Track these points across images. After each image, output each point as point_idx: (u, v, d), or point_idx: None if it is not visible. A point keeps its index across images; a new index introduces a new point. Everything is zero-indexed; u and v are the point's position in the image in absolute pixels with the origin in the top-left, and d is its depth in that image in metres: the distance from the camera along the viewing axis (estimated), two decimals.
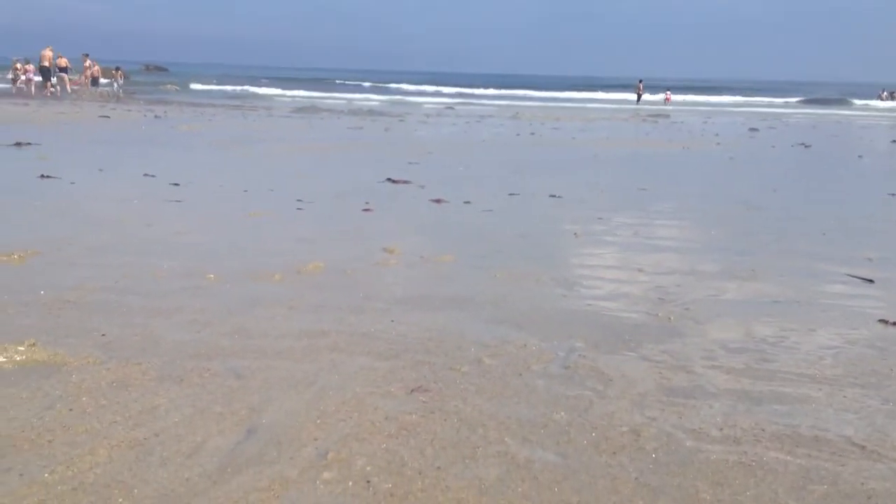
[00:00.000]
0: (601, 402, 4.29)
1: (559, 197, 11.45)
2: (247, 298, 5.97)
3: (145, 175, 12.37)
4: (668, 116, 42.44)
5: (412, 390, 4.43)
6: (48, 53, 43.50)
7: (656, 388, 4.50)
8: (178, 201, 10.19)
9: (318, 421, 3.94)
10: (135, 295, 5.94)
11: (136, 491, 3.20)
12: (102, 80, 49.57)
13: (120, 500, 3.14)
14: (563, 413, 4.12)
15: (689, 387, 4.50)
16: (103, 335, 5.05)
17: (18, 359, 4.54)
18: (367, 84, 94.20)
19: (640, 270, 7.33)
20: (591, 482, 3.38)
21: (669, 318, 5.87)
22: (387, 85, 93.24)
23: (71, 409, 3.96)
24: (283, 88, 68.67)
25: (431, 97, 65.84)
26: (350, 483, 3.32)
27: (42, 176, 11.68)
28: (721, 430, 3.96)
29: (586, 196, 11.88)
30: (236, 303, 5.83)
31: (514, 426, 3.94)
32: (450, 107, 48.44)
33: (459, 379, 4.60)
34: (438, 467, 3.48)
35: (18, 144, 16.29)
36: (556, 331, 5.52)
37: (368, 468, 3.45)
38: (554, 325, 5.63)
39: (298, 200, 10.38)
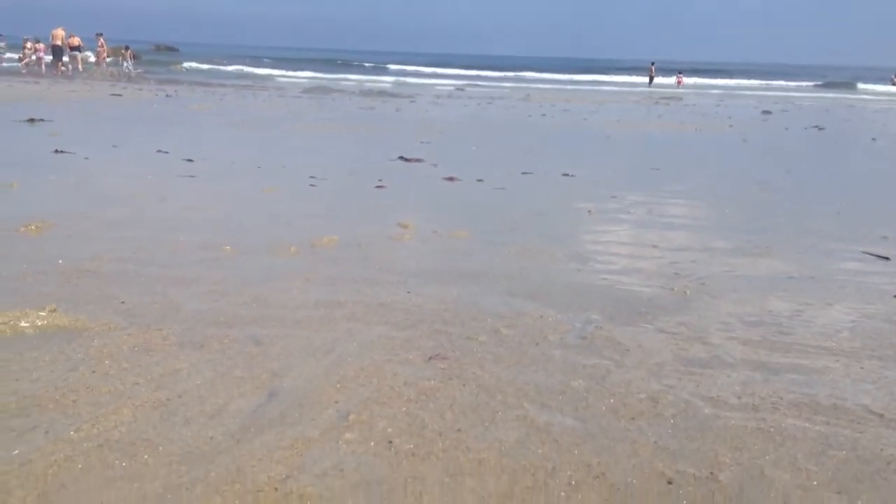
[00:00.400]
0: (618, 371, 4.30)
1: (572, 176, 11.44)
2: (263, 270, 6.00)
3: (158, 151, 12.40)
4: (680, 99, 42.22)
5: (430, 358, 4.45)
6: (60, 32, 43.46)
7: (673, 358, 4.51)
8: (192, 177, 10.22)
9: (338, 385, 3.96)
10: (152, 266, 5.98)
11: (161, 448, 3.24)
12: (108, 59, 49.48)
13: (146, 456, 3.17)
14: (580, 381, 4.14)
15: (706, 357, 4.51)
16: (123, 303, 5.08)
17: (40, 324, 4.57)
18: (379, 66, 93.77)
19: (654, 247, 7.33)
20: (610, 445, 3.41)
21: (685, 293, 5.87)
22: (398, 66, 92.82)
23: (94, 372, 4.00)
24: (294, 69, 68.48)
25: (441, 79, 65.59)
26: (372, 443, 3.35)
27: (56, 151, 11.72)
28: (739, 398, 3.98)
29: (599, 176, 11.86)
30: (253, 274, 5.87)
31: (533, 392, 3.96)
32: (460, 88, 48.31)
33: (477, 348, 4.62)
34: (458, 430, 3.51)
35: (31, 120, 16.34)
36: (571, 303, 5.54)
37: (390, 430, 3.48)
38: (569, 298, 5.64)
39: (311, 177, 10.40)
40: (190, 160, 11.57)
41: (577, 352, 4.61)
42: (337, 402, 3.76)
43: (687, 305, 5.56)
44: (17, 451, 3.15)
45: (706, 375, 4.26)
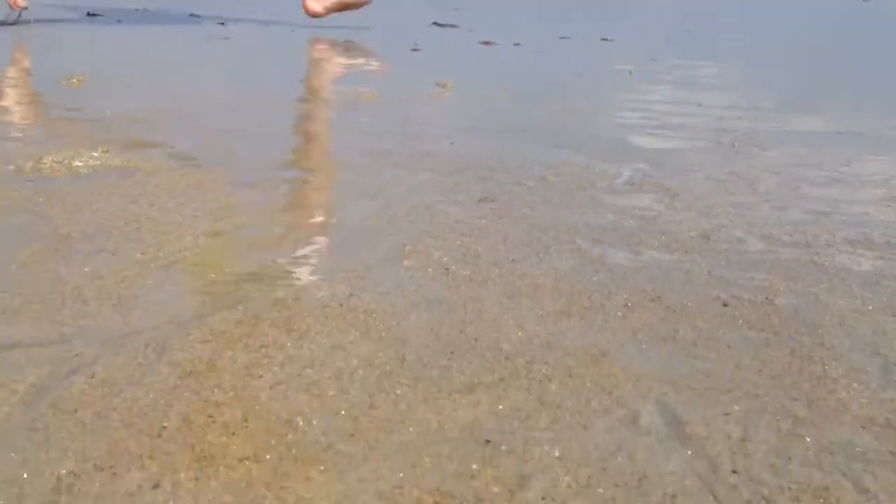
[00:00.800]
0: (669, 212, 4.32)
1: (610, 41, 11.17)
2: (305, 120, 5.99)
3: (191, 15, 12.20)
4: None
5: (479, 200, 4.47)
6: None
7: (724, 202, 4.52)
8: (226, 38, 10.08)
9: (390, 222, 4.02)
10: (198, 115, 5.99)
11: (226, 268, 3.32)
12: None
13: (212, 275, 3.26)
14: (631, 221, 4.16)
15: (756, 201, 4.52)
16: (172, 148, 5.12)
17: (93, 163, 4.64)
18: None
19: (698, 105, 7.22)
20: (664, 274, 3.45)
21: (733, 145, 5.83)
22: None
23: (152, 205, 4.07)
24: None
25: None
26: (429, 269, 3.41)
27: (88, 14, 11.57)
28: (791, 236, 3.99)
29: (638, 39, 11.56)
30: (297, 123, 5.87)
31: (584, 230, 3.99)
32: None
33: (525, 192, 4.64)
34: (513, 260, 3.56)
35: None
36: (617, 155, 5.53)
37: (445, 258, 3.54)
38: (615, 151, 5.63)
39: (346, 41, 10.22)
40: (222, 23, 11.40)
41: (626, 196, 4.62)
42: (391, 236, 3.81)
43: (735, 156, 5.52)
44: (87, 269, 3.24)
45: (757, 217, 4.27)
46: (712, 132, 6.16)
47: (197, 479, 1.94)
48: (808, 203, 4.54)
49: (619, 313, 3.04)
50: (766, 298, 3.25)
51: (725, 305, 3.16)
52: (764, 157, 5.48)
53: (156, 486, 1.91)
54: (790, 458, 2.13)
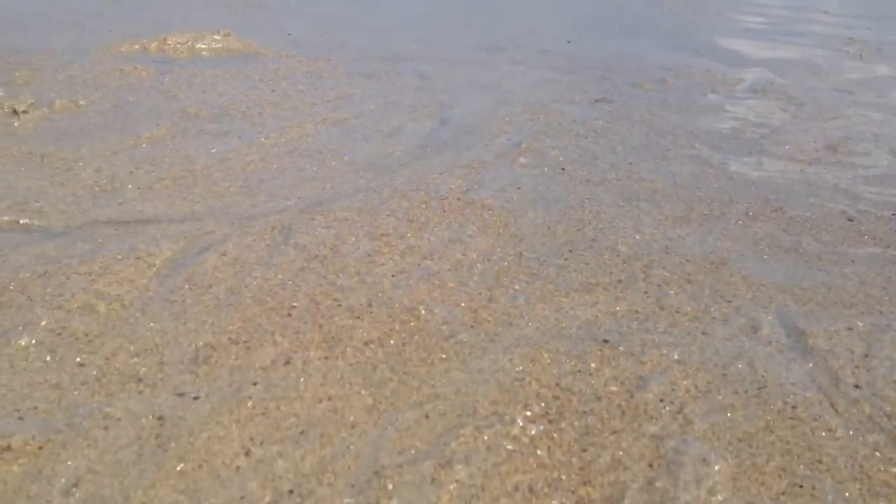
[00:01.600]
0: (793, 122, 4.14)
1: None
2: (421, 13, 5.91)
3: None
4: None
5: (596, 100, 4.38)
6: None
7: (851, 113, 4.32)
8: None
9: (507, 119, 3.97)
10: (316, 4, 5.97)
11: (346, 157, 3.37)
12: None
13: (333, 163, 3.31)
14: (753, 128, 4.01)
15: (885, 115, 4.31)
16: (289, 34, 5.14)
17: (216, 46, 4.70)
18: None
19: (825, 12, 6.80)
20: (787, 185, 3.34)
21: (861, 55, 5.49)
22: None
23: (273, 91, 4.12)
24: None
25: None
26: (545, 168, 3.38)
27: None
28: None
29: None
30: (410, 17, 5.79)
31: (704, 136, 3.87)
32: None
33: (643, 94, 4.51)
34: (630, 163, 3.49)
35: None
36: (739, 60, 5.29)
37: (561, 158, 3.50)
38: (737, 56, 5.39)
39: None
40: None
41: (748, 103, 4.45)
42: (507, 133, 3.78)
43: (863, 67, 5.21)
44: (214, 150, 3.33)
45: (886, 130, 4.08)
46: (839, 41, 5.83)
47: (326, 358, 2.03)
48: None
49: (740, 222, 2.98)
50: (894, 214, 3.12)
51: (851, 220, 3.06)
52: (894, 68, 5.16)
53: (287, 362, 2.01)
54: None
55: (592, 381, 1.99)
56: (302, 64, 4.57)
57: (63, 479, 1.57)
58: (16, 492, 1.54)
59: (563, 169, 3.40)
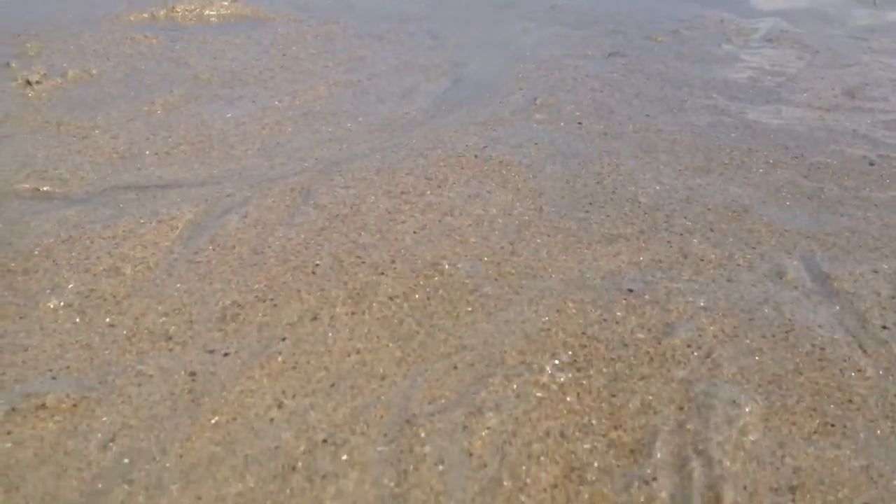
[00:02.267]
0: (810, 69, 4.10)
1: None
2: None
3: None
4: None
5: (609, 54, 4.34)
6: None
7: (868, 60, 4.28)
8: None
9: (520, 75, 3.94)
10: None
11: (360, 119, 3.35)
12: None
13: (348, 124, 3.30)
14: (770, 77, 3.97)
15: None
16: None
17: (224, 12, 4.68)
18: None
19: None
20: (807, 132, 3.31)
21: (874, 2, 5.42)
22: None
23: (284, 55, 4.10)
24: None
25: None
26: (562, 123, 3.36)
27: None
28: None
29: None
30: None
31: (721, 86, 3.84)
32: None
33: (657, 47, 4.46)
34: (647, 115, 3.46)
35: None
36: (752, 10, 5.25)
37: (578, 113, 3.47)
38: (749, 6, 5.36)
39: None
40: None
41: (763, 52, 4.40)
42: (521, 89, 3.76)
43: (876, 14, 5.15)
44: (229, 115, 3.32)
45: None
46: None
47: (352, 313, 2.04)
48: None
49: (761, 170, 2.96)
50: None
51: (872, 164, 3.03)
52: None
53: (314, 318, 2.02)
54: None
55: (619, 330, 2.00)
56: (311, 27, 4.54)
57: (99, 435, 1.59)
58: (53, 448, 1.56)
59: (579, 123, 3.38)
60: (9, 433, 1.59)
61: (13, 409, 1.64)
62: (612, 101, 3.63)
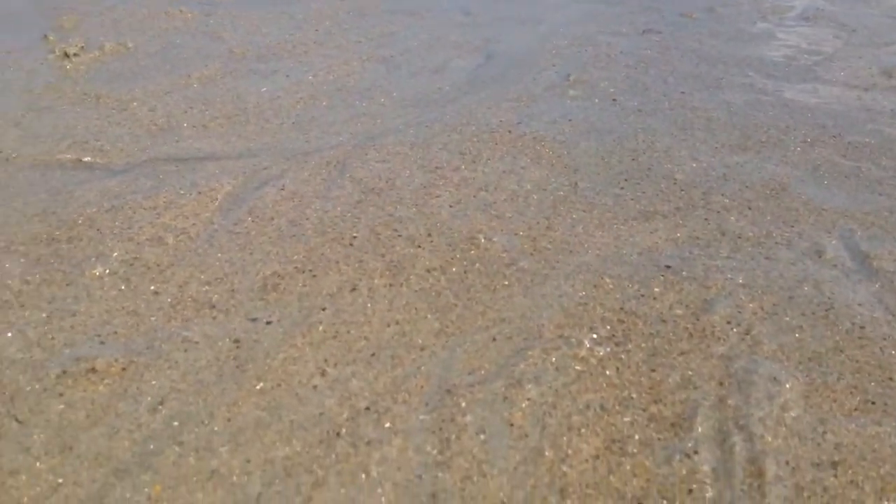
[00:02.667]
0: (847, 48, 4.05)
1: None
2: None
3: None
4: None
5: (643, 31, 4.31)
6: None
7: None
8: None
9: (553, 52, 3.93)
10: None
11: (394, 94, 3.36)
12: None
13: (382, 99, 3.31)
14: (806, 56, 3.93)
15: None
16: None
17: None
18: None
19: None
20: (844, 111, 3.29)
21: None
22: None
23: (317, 30, 4.11)
24: None
25: None
26: (596, 100, 3.35)
27: None
28: None
29: None
30: None
31: (757, 63, 3.80)
32: None
33: (691, 24, 4.42)
34: (682, 92, 3.45)
35: None
36: None
37: (612, 90, 3.46)
38: None
39: None
40: None
41: (799, 31, 4.35)
42: (554, 66, 3.74)
43: None
44: (264, 89, 3.34)
45: None
46: None
47: (390, 285, 2.06)
48: None
49: (798, 149, 2.94)
50: None
51: None
52: None
53: (353, 289, 2.04)
54: None
55: (657, 306, 2.00)
56: (343, 3, 4.55)
57: (149, 398, 1.62)
58: (104, 410, 1.59)
59: (614, 100, 3.36)
60: (61, 395, 1.62)
61: (64, 372, 1.67)
62: (647, 78, 3.61)
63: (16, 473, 1.44)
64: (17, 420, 1.55)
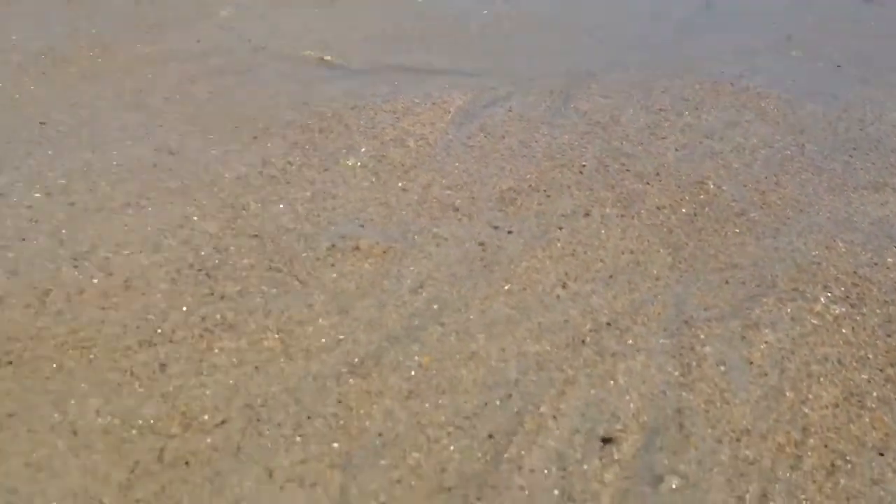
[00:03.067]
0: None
1: None
2: None
3: None
4: None
5: (866, 0, 4.12)
6: None
7: None
8: None
9: (773, 9, 3.89)
10: None
11: (615, 33, 3.38)
12: None
13: (601, 36, 3.32)
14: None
15: None
16: None
17: None
18: None
19: None
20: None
21: None
22: None
23: None
24: None
25: None
26: (819, 63, 3.33)
27: None
28: None
29: None
30: None
31: None
32: None
33: None
34: None
35: None
36: None
37: (835, 55, 3.45)
38: None
39: None
40: None
41: None
42: (774, 24, 3.73)
43: None
44: (485, 11, 3.40)
45: None
46: None
47: (622, 216, 2.11)
48: None
49: None
50: None
51: None
52: None
53: (587, 214, 2.10)
54: None
55: (891, 275, 1.99)
56: None
57: (409, 281, 1.75)
58: (371, 284, 1.73)
59: (838, 66, 3.27)
60: (332, 265, 1.77)
61: (333, 246, 1.82)
62: (871, 49, 3.49)
63: (303, 324, 1.60)
64: (298, 280, 1.71)
